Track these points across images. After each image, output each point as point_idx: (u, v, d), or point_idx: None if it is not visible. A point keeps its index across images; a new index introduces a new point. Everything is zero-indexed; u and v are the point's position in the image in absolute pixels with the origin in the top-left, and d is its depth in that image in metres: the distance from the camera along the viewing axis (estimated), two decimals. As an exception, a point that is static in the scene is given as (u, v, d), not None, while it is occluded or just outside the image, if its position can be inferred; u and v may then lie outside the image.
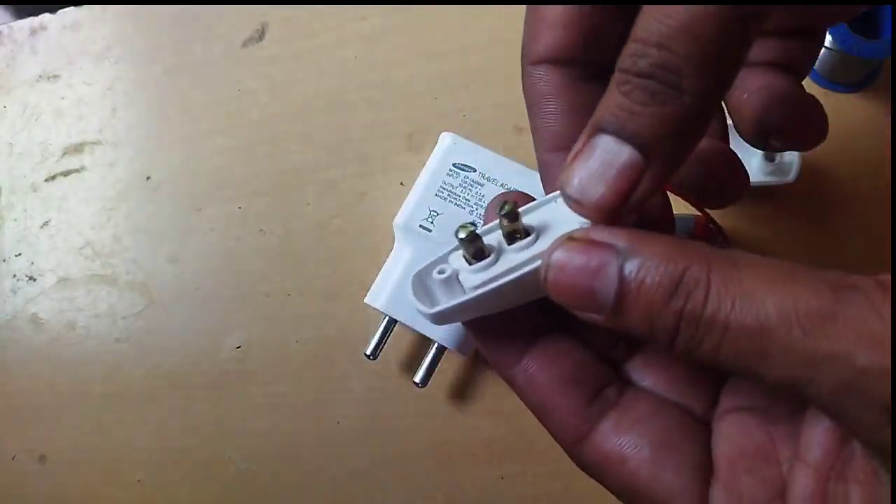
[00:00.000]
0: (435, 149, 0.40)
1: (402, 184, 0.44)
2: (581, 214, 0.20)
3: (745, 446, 0.20)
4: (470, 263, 0.22)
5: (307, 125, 0.46)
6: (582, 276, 0.19)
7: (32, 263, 0.48)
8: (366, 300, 0.39)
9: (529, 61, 0.23)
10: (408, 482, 0.41)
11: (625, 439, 0.21)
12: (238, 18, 0.49)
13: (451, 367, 0.41)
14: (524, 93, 0.23)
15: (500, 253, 0.22)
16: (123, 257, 0.47)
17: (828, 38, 0.38)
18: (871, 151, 0.40)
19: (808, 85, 0.40)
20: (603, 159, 0.19)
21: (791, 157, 0.37)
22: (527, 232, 0.22)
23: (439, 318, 0.22)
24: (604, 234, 0.19)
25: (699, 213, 0.37)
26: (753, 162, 0.38)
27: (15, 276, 0.48)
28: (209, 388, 0.44)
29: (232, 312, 0.45)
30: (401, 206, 0.40)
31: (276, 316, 0.44)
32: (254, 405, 0.43)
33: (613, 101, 0.18)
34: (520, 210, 0.22)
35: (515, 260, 0.22)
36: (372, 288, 0.39)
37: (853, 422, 0.16)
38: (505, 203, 0.21)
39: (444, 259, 0.23)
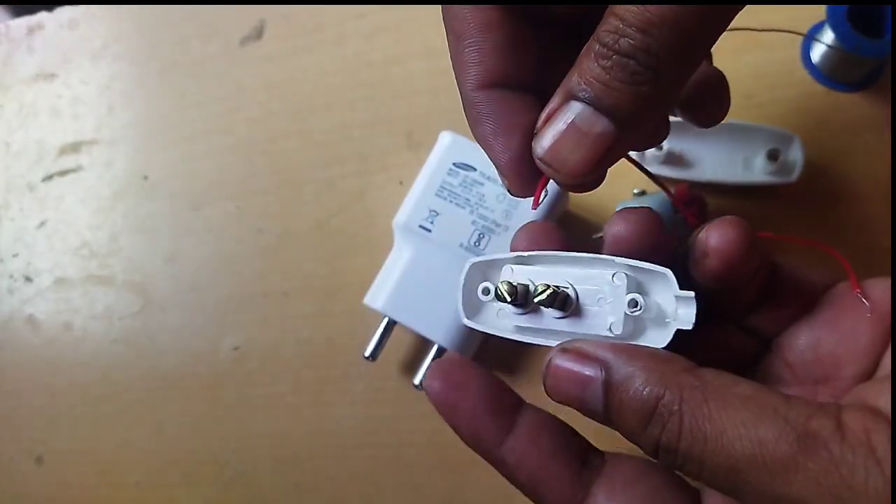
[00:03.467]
0: (434, 147, 0.40)
1: (401, 183, 0.44)
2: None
3: None
4: (513, 302, 0.23)
5: (305, 123, 0.46)
6: (573, 386, 0.21)
7: (29, 264, 0.48)
8: (365, 301, 0.39)
9: None
10: (407, 484, 0.41)
11: (620, 500, 0.22)
12: (236, 16, 0.48)
13: (450, 367, 0.41)
14: (447, 26, 0.23)
15: (539, 309, 0.23)
16: (120, 257, 0.47)
17: (830, 36, 0.37)
18: (872, 151, 0.39)
19: (811, 83, 0.40)
20: (578, 128, 0.20)
21: (794, 157, 0.37)
22: (566, 299, 0.23)
23: (467, 327, 0.24)
24: (590, 347, 0.21)
25: (678, 186, 0.37)
26: (757, 162, 0.37)
27: (12, 276, 0.48)
28: (207, 389, 0.44)
29: (230, 313, 0.44)
30: (400, 206, 0.39)
31: (275, 316, 0.44)
32: (252, 406, 0.43)
33: (591, 71, 0.19)
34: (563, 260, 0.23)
35: (554, 326, 0.23)
36: (371, 288, 0.39)
37: None
38: (555, 294, 0.22)
39: (497, 269, 0.24)
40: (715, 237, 0.22)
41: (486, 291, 0.24)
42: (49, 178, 0.49)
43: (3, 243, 0.49)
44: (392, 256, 0.39)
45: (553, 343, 0.22)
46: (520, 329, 0.24)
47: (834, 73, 0.39)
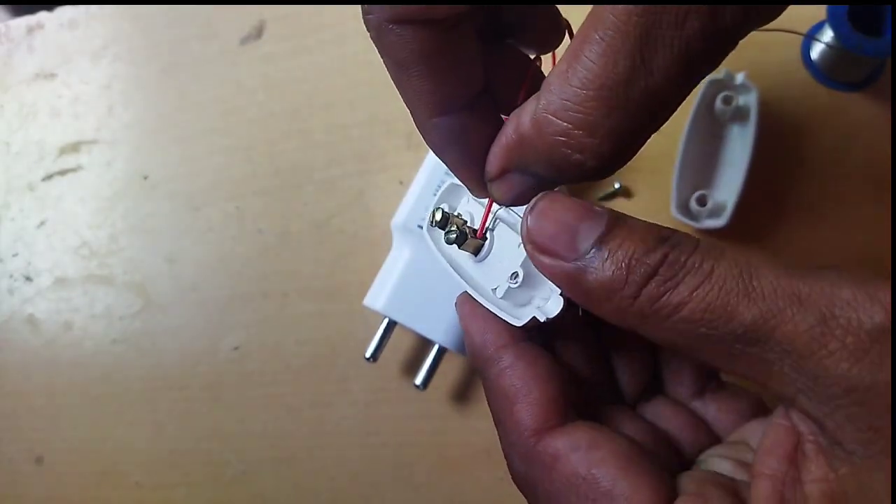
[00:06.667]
0: (434, 148, 0.40)
1: (401, 182, 0.44)
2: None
3: (707, 477, 0.21)
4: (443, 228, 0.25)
5: (305, 124, 0.46)
6: (570, 214, 0.20)
7: (29, 263, 0.48)
8: (364, 302, 0.39)
9: (388, 18, 0.20)
10: (408, 484, 0.41)
11: (598, 435, 0.21)
12: (236, 16, 0.48)
13: (451, 368, 0.41)
14: (384, 53, 0.22)
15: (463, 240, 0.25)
16: (120, 257, 0.47)
17: (830, 36, 0.37)
18: (872, 151, 0.39)
19: (811, 82, 0.40)
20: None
21: (724, 199, 0.37)
22: (480, 247, 0.25)
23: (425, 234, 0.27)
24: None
25: None
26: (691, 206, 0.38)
27: (11, 276, 0.48)
28: (207, 389, 0.44)
29: (230, 313, 0.44)
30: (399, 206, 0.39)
31: (275, 317, 0.44)
32: (252, 406, 0.43)
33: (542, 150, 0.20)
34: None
35: (463, 265, 0.25)
36: (371, 289, 0.39)
37: (829, 361, 0.16)
38: (462, 234, 0.24)
39: (460, 197, 0.26)
40: None
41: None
42: (49, 178, 0.49)
43: (3, 243, 0.49)
44: (391, 257, 0.39)
45: (455, 277, 0.25)
46: (444, 254, 0.26)
47: (834, 73, 0.39)
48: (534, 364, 0.22)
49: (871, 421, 0.16)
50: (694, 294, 0.18)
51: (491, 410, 0.23)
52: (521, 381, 0.22)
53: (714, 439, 0.25)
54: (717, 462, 0.23)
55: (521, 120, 0.20)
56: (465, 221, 0.25)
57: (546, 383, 0.22)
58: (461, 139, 0.22)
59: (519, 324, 0.23)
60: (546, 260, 0.20)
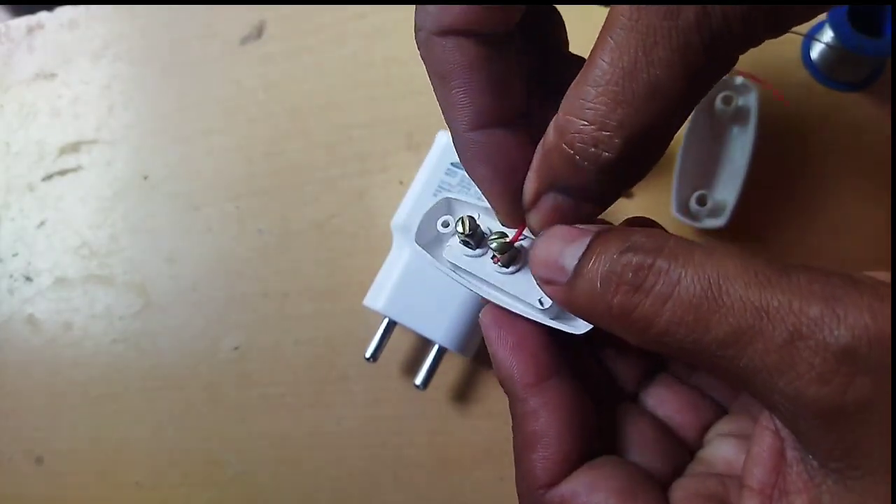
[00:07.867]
0: (432, 147, 0.40)
1: (401, 182, 0.44)
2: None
3: (699, 489, 0.22)
4: (461, 240, 0.24)
5: (305, 124, 0.46)
6: (561, 239, 0.21)
7: (29, 263, 0.48)
8: (364, 302, 0.39)
9: (436, 31, 0.22)
10: (407, 484, 0.41)
11: (596, 474, 0.22)
12: (236, 16, 0.48)
13: (451, 368, 0.41)
14: (429, 67, 0.23)
15: (485, 257, 0.24)
16: (120, 257, 0.47)
17: (830, 36, 0.37)
18: (873, 151, 0.39)
19: (811, 82, 0.40)
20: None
21: (724, 199, 0.37)
22: (516, 256, 0.24)
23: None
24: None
25: None
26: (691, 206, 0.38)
27: (12, 276, 0.48)
28: (207, 389, 0.44)
29: (230, 313, 0.44)
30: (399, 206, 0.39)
31: (275, 316, 0.44)
32: (252, 407, 0.43)
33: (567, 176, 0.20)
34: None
35: (491, 279, 0.24)
36: (371, 289, 0.39)
37: (798, 380, 0.16)
38: (507, 246, 0.23)
39: (464, 212, 0.25)
40: None
41: (445, 224, 0.25)
42: (49, 178, 0.49)
43: (3, 243, 0.49)
44: (391, 257, 0.39)
45: (482, 293, 0.24)
46: (457, 269, 0.25)
47: (834, 73, 0.39)
48: (558, 412, 0.22)
49: (841, 441, 0.17)
50: (665, 307, 0.18)
51: (513, 439, 0.23)
52: (543, 430, 0.22)
53: (720, 412, 0.25)
54: (720, 445, 0.24)
55: (547, 133, 0.20)
56: (485, 232, 0.25)
57: (565, 437, 0.22)
58: (493, 155, 0.22)
59: (580, 332, 0.22)
60: (547, 289, 0.21)
